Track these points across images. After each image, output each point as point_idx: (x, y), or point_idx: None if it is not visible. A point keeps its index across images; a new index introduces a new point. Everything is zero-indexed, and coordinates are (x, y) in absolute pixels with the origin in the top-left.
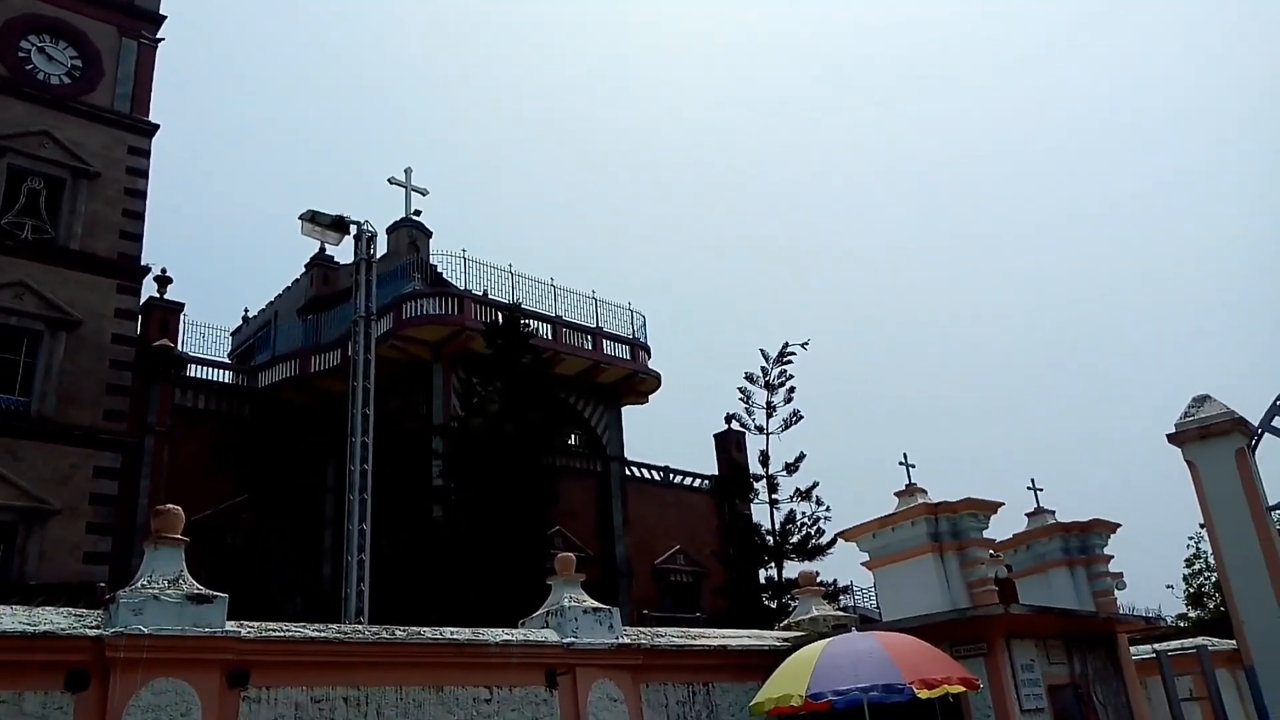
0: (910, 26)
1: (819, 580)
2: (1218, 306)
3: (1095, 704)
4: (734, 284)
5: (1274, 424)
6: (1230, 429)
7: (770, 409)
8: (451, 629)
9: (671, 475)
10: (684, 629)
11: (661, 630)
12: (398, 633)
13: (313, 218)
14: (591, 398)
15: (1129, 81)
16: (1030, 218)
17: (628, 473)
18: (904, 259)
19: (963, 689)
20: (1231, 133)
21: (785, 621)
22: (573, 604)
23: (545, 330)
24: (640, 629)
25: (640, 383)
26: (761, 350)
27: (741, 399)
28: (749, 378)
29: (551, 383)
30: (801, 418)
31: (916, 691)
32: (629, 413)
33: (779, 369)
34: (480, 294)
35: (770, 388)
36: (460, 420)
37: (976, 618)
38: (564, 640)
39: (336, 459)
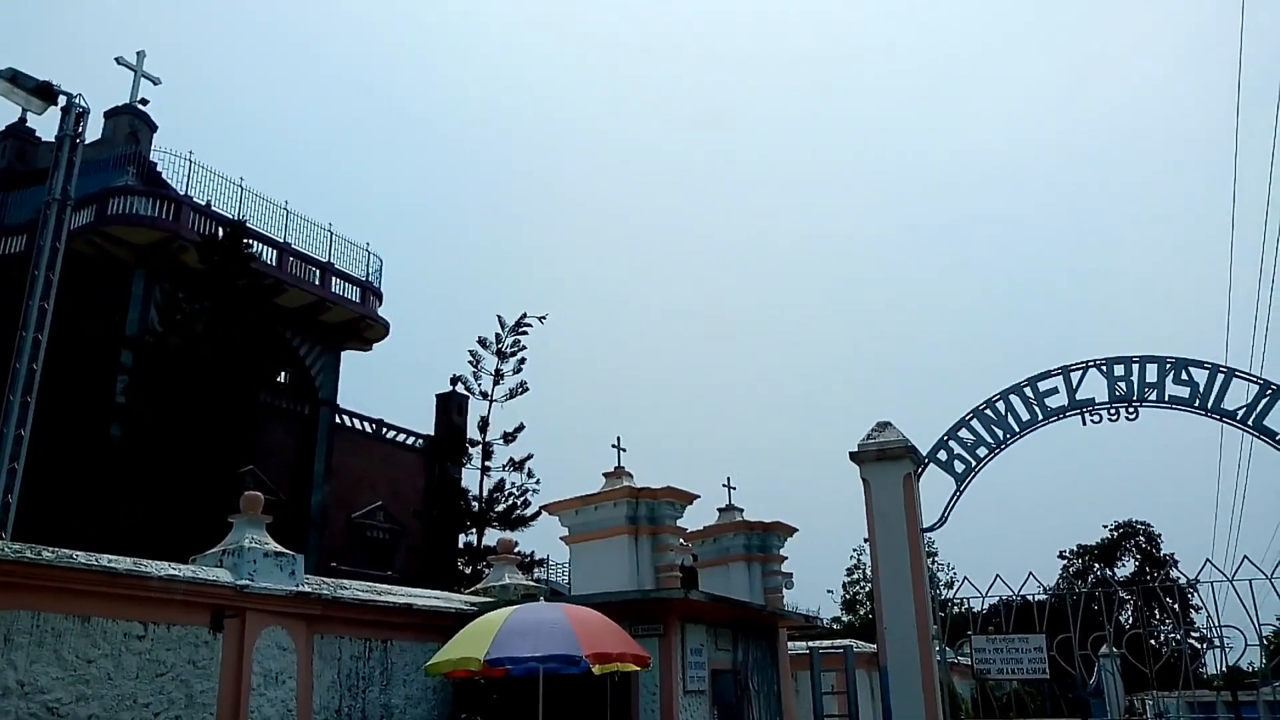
0: None
1: (517, 550)
2: (910, 348)
3: (750, 690)
4: (479, 249)
5: (938, 456)
6: (903, 455)
7: (498, 376)
8: (110, 556)
9: (385, 430)
10: (371, 584)
11: (346, 583)
12: (44, 554)
13: (13, 78)
14: (310, 336)
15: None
16: (767, 239)
17: (338, 420)
18: (651, 257)
19: (635, 667)
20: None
21: (476, 587)
22: (253, 545)
23: (270, 255)
24: (324, 579)
25: (367, 328)
26: (499, 316)
27: (471, 362)
28: (482, 342)
29: (269, 312)
30: (528, 389)
31: (592, 665)
32: (350, 358)
33: (514, 338)
34: (203, 204)
35: (502, 355)
36: (158, 336)
37: (658, 600)
38: (237, 582)
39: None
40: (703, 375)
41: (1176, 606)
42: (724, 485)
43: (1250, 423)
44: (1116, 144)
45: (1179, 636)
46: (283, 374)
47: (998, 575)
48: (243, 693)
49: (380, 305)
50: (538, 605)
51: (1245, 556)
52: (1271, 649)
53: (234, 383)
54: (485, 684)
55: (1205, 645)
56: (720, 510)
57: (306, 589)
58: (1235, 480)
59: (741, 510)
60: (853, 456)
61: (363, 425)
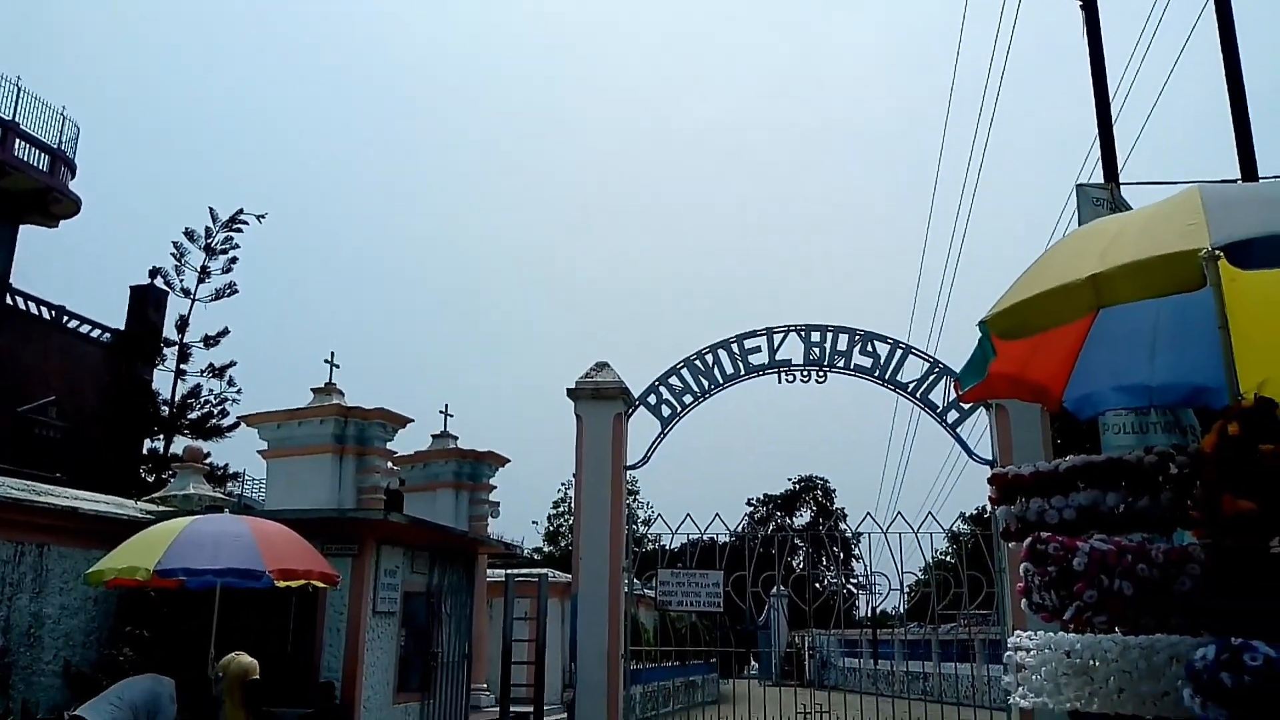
0: None
1: (208, 460)
2: (632, 297)
3: (443, 614)
4: (200, 135)
5: (648, 400)
6: (616, 395)
7: (204, 274)
8: None
9: (66, 318)
10: (30, 484)
11: None
12: None
13: None
14: None
15: None
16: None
17: (9, 302)
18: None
19: (322, 584)
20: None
21: (155, 495)
22: None
23: None
24: None
25: (54, 202)
26: (210, 209)
27: (174, 255)
28: (188, 234)
29: None
30: (237, 291)
31: (275, 581)
32: (31, 234)
33: (225, 234)
34: None
35: (210, 251)
36: None
37: (354, 519)
38: None
39: None
40: (431, 304)
41: (840, 554)
42: (441, 412)
43: (918, 395)
44: (833, 129)
45: (839, 580)
46: None
47: (688, 514)
48: None
49: (73, 178)
50: (219, 517)
51: (899, 513)
52: (911, 596)
53: None
54: (155, 596)
55: (860, 590)
56: (434, 436)
57: None
58: (902, 446)
59: (456, 438)
60: (570, 393)
61: (39, 310)
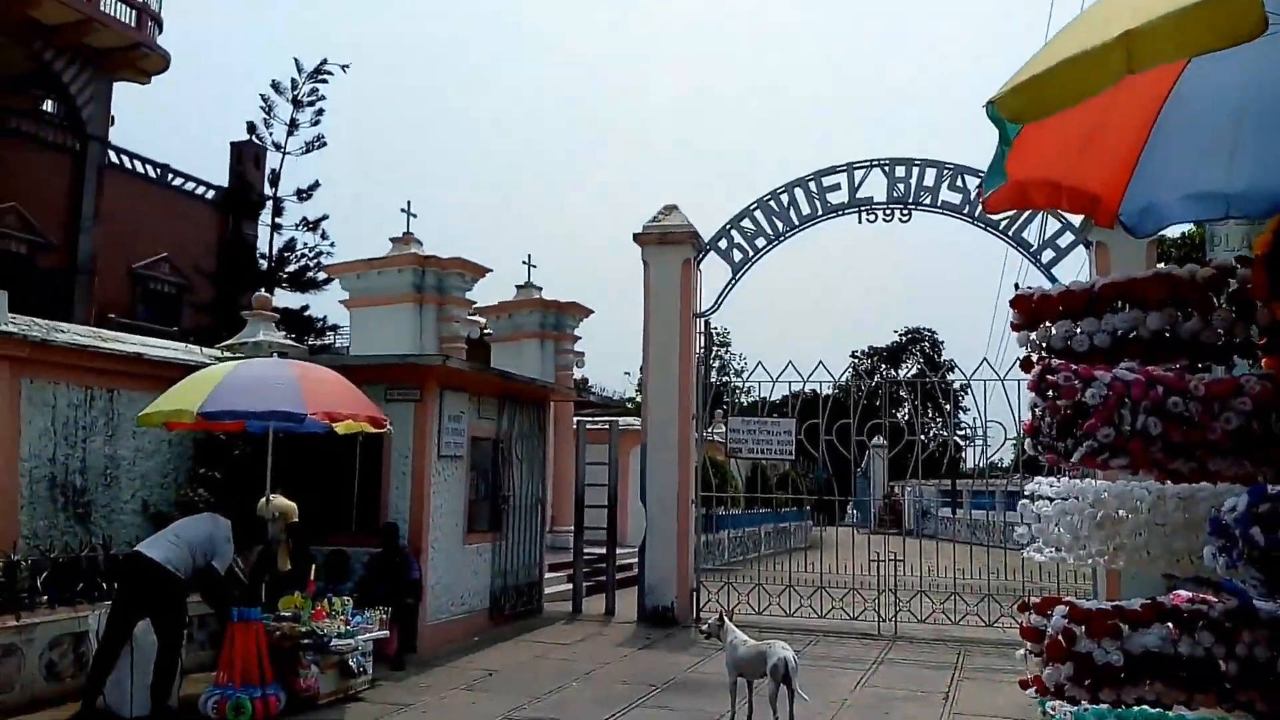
0: None
1: (306, 312)
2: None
3: (514, 459)
4: None
5: (719, 245)
6: (685, 240)
7: (293, 126)
8: None
9: (170, 176)
10: (97, 330)
11: (64, 326)
12: None
13: None
14: (76, 61)
15: None
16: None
17: (112, 160)
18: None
19: (372, 428)
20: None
21: (226, 342)
22: None
23: None
24: (36, 320)
25: (142, 58)
26: (295, 60)
27: (263, 109)
28: (275, 87)
29: (24, 26)
30: (325, 143)
31: (319, 423)
32: (129, 92)
33: (312, 86)
34: None
35: (298, 104)
36: None
37: (413, 365)
38: None
39: None
40: (517, 154)
41: (949, 406)
42: (524, 263)
43: (1010, 234)
44: None
45: (944, 432)
46: (49, 102)
47: (760, 363)
48: None
49: (160, 33)
50: (266, 360)
51: (983, 359)
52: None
53: None
54: (226, 439)
55: (967, 441)
56: (518, 287)
57: (11, 329)
58: (1004, 290)
59: (540, 289)
60: (636, 238)
61: (144, 168)
